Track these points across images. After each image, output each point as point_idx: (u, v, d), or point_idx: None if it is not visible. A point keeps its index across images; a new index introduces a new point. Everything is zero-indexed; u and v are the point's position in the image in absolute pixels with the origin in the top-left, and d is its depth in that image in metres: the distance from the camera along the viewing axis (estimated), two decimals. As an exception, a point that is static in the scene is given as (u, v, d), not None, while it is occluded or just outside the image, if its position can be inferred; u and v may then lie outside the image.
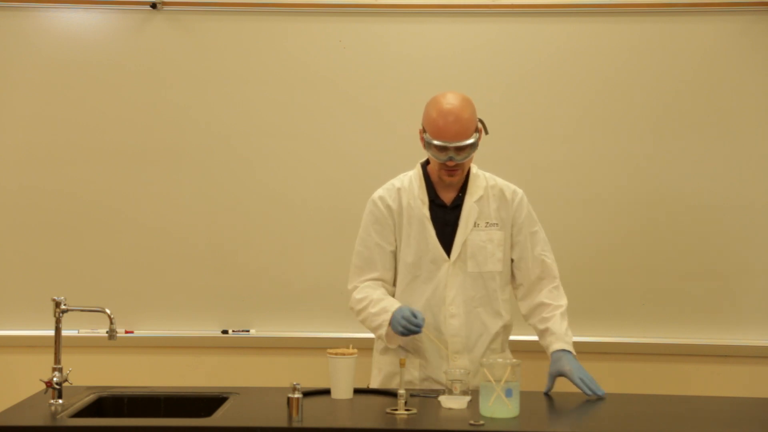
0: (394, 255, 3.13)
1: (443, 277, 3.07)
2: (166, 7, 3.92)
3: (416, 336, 3.05)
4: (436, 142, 2.99)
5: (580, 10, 3.87)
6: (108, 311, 2.87)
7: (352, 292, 3.13)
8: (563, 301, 3.11)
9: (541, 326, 3.08)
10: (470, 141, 2.99)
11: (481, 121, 3.08)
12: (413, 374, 3.08)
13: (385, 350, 3.14)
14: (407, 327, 2.89)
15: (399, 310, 2.94)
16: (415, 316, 2.91)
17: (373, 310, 3.02)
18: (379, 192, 3.18)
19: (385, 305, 3.00)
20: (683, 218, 3.86)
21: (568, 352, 3.01)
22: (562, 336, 3.03)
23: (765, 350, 3.84)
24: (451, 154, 2.99)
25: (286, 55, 3.93)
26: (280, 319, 3.95)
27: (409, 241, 3.10)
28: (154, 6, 3.89)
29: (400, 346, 3.10)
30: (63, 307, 2.85)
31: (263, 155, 3.93)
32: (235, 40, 3.93)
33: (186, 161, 3.95)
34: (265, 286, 3.94)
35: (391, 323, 2.94)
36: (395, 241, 3.12)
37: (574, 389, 2.95)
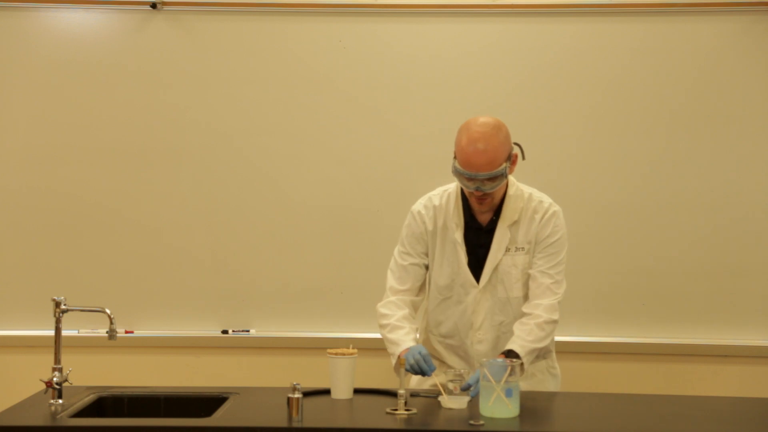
0: (426, 268, 3.13)
1: (471, 302, 3.06)
2: (166, 7, 3.92)
3: (445, 355, 3.10)
4: (463, 172, 2.90)
5: (580, 10, 3.87)
6: (108, 311, 2.87)
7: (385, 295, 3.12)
8: (550, 315, 2.97)
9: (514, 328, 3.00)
10: (497, 172, 2.89)
11: (518, 145, 3.01)
12: (441, 378, 3.08)
13: None
14: (414, 368, 2.85)
15: (415, 347, 2.90)
16: (426, 362, 2.85)
17: (389, 336, 3.01)
18: (419, 207, 3.12)
19: (398, 337, 2.97)
20: (683, 218, 3.86)
21: (509, 357, 2.88)
22: (515, 341, 2.93)
23: (765, 350, 3.84)
24: (479, 184, 2.91)
25: (286, 55, 3.93)
26: (280, 319, 3.95)
27: (443, 263, 3.08)
28: (154, 6, 3.89)
29: (435, 358, 3.11)
30: (63, 307, 2.85)
31: (263, 155, 3.93)
32: (235, 40, 3.93)
33: (186, 161, 3.95)
34: (265, 286, 3.94)
35: (406, 354, 2.88)
36: (428, 257, 3.11)
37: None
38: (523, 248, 3.04)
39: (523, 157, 3.04)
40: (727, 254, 3.86)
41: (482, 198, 2.97)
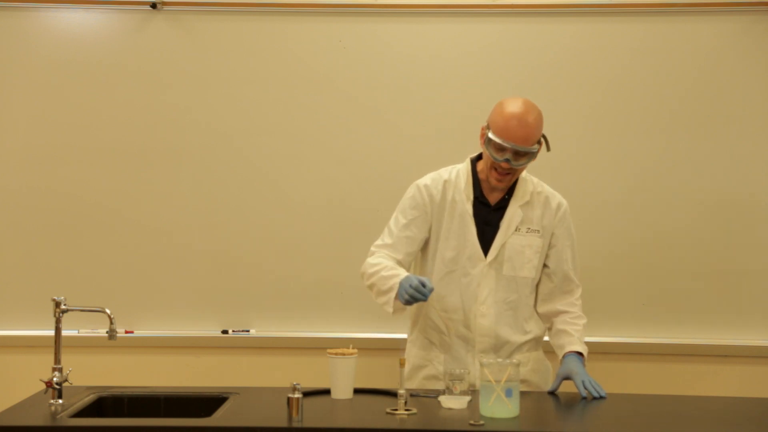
0: (421, 244, 3.13)
1: (477, 276, 3.07)
2: (166, 7, 3.92)
3: (443, 331, 3.09)
4: (497, 140, 2.96)
5: (580, 10, 3.87)
6: (108, 311, 2.88)
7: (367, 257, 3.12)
8: (584, 317, 3.15)
9: (562, 326, 3.10)
10: (532, 149, 2.97)
11: (544, 137, 3.07)
12: (438, 369, 3.11)
13: (413, 343, 3.19)
14: (414, 296, 2.86)
15: (408, 277, 2.91)
16: (423, 285, 2.87)
17: (385, 273, 2.99)
18: (425, 180, 3.17)
19: (398, 271, 2.98)
20: (683, 218, 3.86)
21: (580, 356, 3.02)
22: (578, 341, 3.05)
23: (765, 350, 3.84)
24: (509, 156, 2.97)
25: (286, 55, 3.93)
26: (280, 319, 3.95)
27: (449, 236, 3.10)
28: (154, 6, 3.89)
29: (428, 340, 3.13)
30: (63, 307, 2.85)
31: (263, 155, 3.93)
32: (235, 40, 3.93)
33: (186, 161, 3.95)
34: (265, 286, 3.94)
35: (399, 288, 2.91)
36: (428, 231, 3.12)
37: (574, 389, 2.95)
38: (537, 231, 3.10)
39: (548, 149, 3.09)
40: (728, 254, 3.86)
41: (504, 174, 3.01)
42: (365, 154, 3.92)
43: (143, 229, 3.94)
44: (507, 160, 2.97)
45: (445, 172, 3.16)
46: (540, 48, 3.89)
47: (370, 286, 3.06)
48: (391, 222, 3.16)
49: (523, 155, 2.97)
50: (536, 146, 2.99)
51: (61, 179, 3.94)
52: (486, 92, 3.85)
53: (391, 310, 2.99)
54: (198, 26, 3.93)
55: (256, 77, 3.93)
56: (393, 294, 2.95)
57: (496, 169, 3.02)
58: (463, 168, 3.15)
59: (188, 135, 3.94)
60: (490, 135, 2.98)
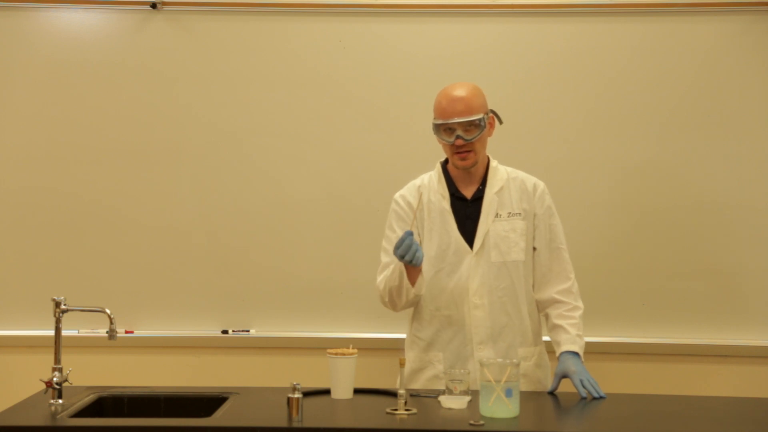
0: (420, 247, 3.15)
1: (466, 268, 3.09)
2: (166, 7, 3.92)
3: (441, 329, 3.10)
4: (441, 122, 3.04)
5: (580, 11, 3.87)
6: (108, 311, 2.88)
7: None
8: (581, 304, 3.14)
9: (557, 321, 3.09)
10: (474, 118, 3.02)
11: (493, 111, 3.12)
12: (437, 368, 3.11)
13: (410, 347, 3.19)
14: (403, 250, 2.88)
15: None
16: (416, 250, 2.90)
17: (388, 274, 3.06)
18: (401, 191, 3.23)
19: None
20: (684, 218, 3.86)
21: (577, 354, 3.02)
22: (574, 338, 3.05)
23: (765, 350, 3.84)
24: (459, 132, 3.03)
25: (286, 55, 3.93)
26: (280, 319, 3.95)
27: (431, 235, 3.12)
28: (154, 6, 3.89)
29: (424, 341, 3.13)
30: (63, 307, 2.85)
31: (263, 155, 3.93)
32: (235, 40, 3.93)
33: (186, 161, 3.95)
34: (265, 286, 3.94)
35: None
36: (419, 235, 3.15)
37: (574, 389, 2.95)
38: (519, 214, 3.12)
39: (500, 122, 3.15)
40: (727, 254, 3.86)
41: (464, 152, 3.06)
42: (366, 153, 3.92)
43: (143, 229, 3.94)
44: (459, 137, 3.03)
45: (417, 180, 3.23)
46: (540, 48, 3.89)
47: (389, 295, 3.08)
48: (384, 243, 3.19)
49: (473, 127, 3.03)
50: (482, 116, 3.04)
51: (61, 179, 3.94)
52: (486, 92, 3.84)
53: (414, 287, 3.01)
54: (198, 26, 3.93)
55: (256, 77, 3.93)
56: (405, 276, 2.99)
57: (456, 153, 3.07)
58: (434, 171, 3.22)
59: (188, 135, 3.94)
60: (435, 122, 3.07)
